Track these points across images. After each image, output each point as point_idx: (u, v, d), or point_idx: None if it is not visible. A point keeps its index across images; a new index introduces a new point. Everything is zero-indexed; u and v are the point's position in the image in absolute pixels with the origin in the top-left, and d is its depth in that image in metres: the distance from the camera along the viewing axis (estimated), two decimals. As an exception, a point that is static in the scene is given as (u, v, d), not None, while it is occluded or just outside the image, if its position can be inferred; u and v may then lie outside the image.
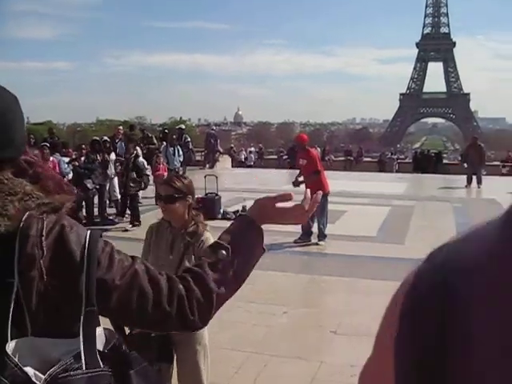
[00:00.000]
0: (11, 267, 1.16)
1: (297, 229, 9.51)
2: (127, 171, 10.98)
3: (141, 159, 11.54)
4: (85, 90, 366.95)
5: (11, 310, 1.15)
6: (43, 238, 1.21)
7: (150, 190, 12.86)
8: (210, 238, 3.24)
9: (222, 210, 11.84)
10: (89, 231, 1.30)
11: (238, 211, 11.85)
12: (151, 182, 15.87)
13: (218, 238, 1.48)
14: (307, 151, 9.68)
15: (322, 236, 9.46)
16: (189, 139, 19.50)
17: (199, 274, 1.39)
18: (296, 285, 7.40)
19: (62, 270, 1.22)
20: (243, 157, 31.33)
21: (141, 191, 11.60)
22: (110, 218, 11.61)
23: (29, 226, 1.20)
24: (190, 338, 3.20)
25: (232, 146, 36.46)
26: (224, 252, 1.42)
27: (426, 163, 27.60)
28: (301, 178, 9.65)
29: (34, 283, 1.18)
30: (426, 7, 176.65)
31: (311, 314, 6.17)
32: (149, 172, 12.22)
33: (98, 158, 11.65)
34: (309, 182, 8.92)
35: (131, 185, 10.88)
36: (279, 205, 1.55)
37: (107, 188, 11.95)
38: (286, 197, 1.57)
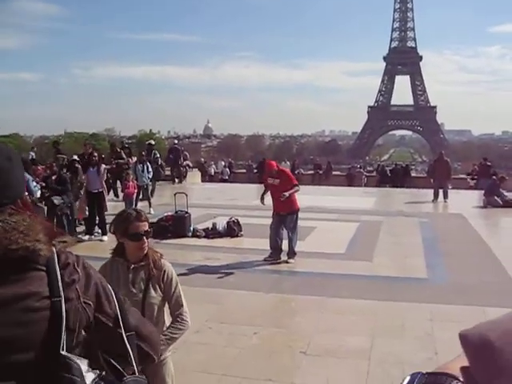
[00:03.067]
0: (57, 288, 1.35)
1: (267, 246, 9.59)
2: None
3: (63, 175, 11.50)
4: (52, 101, 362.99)
5: (64, 321, 1.33)
6: (77, 267, 1.44)
7: (120, 207, 12.80)
8: (169, 265, 3.26)
9: (192, 228, 11.81)
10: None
11: (208, 228, 11.87)
12: (120, 198, 15.82)
13: None
14: (281, 172, 9.69)
15: (291, 253, 9.52)
16: (158, 155, 19.46)
17: None
18: (266, 304, 7.43)
19: (93, 294, 1.46)
20: (213, 171, 31.32)
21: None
22: (79, 236, 11.51)
23: (64, 255, 1.44)
24: (160, 369, 3.20)
25: (202, 159, 36.42)
26: None
27: (393, 177, 27.98)
28: (267, 195, 9.75)
29: (72, 303, 1.38)
30: (393, 22, 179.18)
31: (281, 335, 6.20)
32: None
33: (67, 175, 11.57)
34: (281, 199, 9.13)
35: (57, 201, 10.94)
36: None
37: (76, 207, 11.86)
38: None
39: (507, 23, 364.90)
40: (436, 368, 1.00)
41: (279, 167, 9.96)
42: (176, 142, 28.98)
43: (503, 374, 0.81)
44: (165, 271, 3.20)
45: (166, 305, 3.25)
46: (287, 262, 9.41)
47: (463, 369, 0.88)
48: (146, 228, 3.18)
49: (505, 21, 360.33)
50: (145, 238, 3.15)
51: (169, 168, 23.74)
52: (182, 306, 3.22)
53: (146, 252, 3.18)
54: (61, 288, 1.35)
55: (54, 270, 1.37)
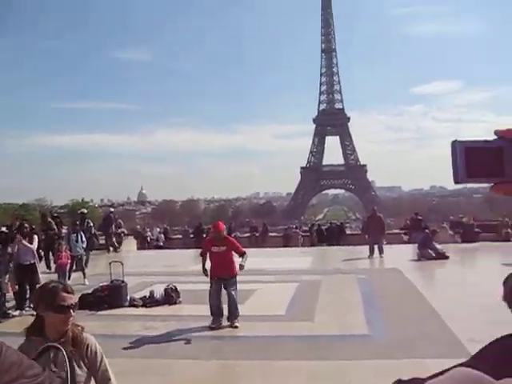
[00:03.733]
0: None
1: (206, 312, 9.44)
2: None
3: None
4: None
5: None
6: None
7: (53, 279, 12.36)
8: (91, 338, 3.11)
9: (128, 297, 11.51)
10: None
11: (145, 297, 11.60)
12: (53, 269, 15.35)
13: None
14: (226, 238, 9.74)
15: (236, 316, 9.40)
16: (91, 224, 19.12)
17: None
18: (210, 372, 7.23)
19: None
20: (149, 238, 30.92)
21: None
22: (9, 311, 11.00)
23: None
24: None
25: (138, 226, 35.97)
26: None
27: (329, 236, 28.37)
28: (207, 265, 9.70)
29: None
30: (321, 85, 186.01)
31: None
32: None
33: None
34: (228, 265, 9.34)
35: None
36: None
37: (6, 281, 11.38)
38: None
39: (427, 84, 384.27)
40: None
41: (226, 235, 10.05)
42: (112, 209, 28.50)
43: None
44: (88, 345, 3.04)
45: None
46: (235, 327, 9.25)
47: None
48: (73, 301, 3.04)
49: (425, 81, 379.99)
50: (72, 311, 3.01)
51: (103, 237, 23.35)
52: (110, 379, 3.07)
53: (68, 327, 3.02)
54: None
55: None
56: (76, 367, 2.95)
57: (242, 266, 9.45)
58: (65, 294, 2.99)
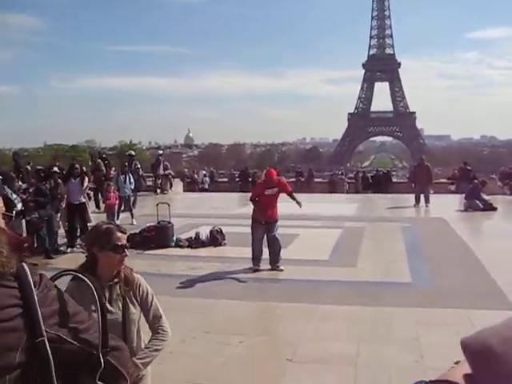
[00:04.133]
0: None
1: (250, 255, 9.56)
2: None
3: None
4: (31, 114, 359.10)
5: None
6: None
7: (102, 218, 12.70)
8: (141, 278, 3.15)
9: (175, 238, 11.75)
10: None
11: (191, 238, 11.81)
12: (102, 209, 15.74)
13: None
14: (278, 180, 9.88)
15: (279, 259, 9.51)
16: (139, 165, 19.40)
17: None
18: (251, 313, 7.41)
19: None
20: (196, 181, 31.23)
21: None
22: (61, 248, 11.39)
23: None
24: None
25: (186, 170, 36.23)
26: None
27: (374, 183, 28.12)
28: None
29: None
30: (371, 29, 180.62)
31: (267, 343, 6.17)
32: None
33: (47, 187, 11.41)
34: (274, 209, 9.57)
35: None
36: None
37: (58, 218, 11.73)
38: None
39: (483, 29, 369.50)
40: (439, 376, 0.99)
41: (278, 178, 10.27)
42: (160, 152, 28.71)
43: (507, 381, 0.81)
44: (139, 285, 3.10)
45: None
46: (280, 270, 9.36)
47: (466, 376, 0.88)
48: (126, 241, 3.11)
49: (481, 27, 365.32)
50: (126, 250, 3.07)
51: (151, 179, 23.72)
52: (161, 317, 3.14)
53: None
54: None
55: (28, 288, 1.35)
56: (130, 305, 3.03)
57: (299, 204, 9.80)
58: (120, 234, 3.03)
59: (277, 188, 9.58)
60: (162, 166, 23.47)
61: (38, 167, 13.58)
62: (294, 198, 9.91)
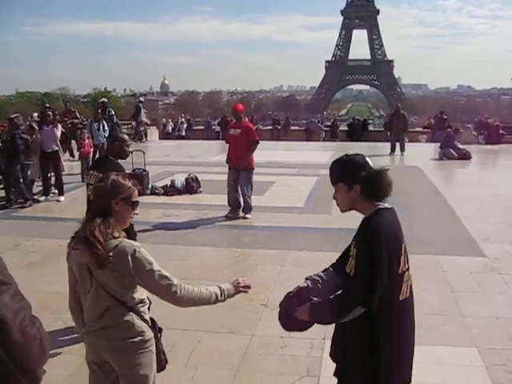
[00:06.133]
0: None
1: (226, 202, 9.59)
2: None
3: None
4: (1, 60, 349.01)
5: None
6: None
7: (76, 167, 12.65)
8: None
9: (150, 186, 11.70)
10: None
11: (166, 186, 11.79)
12: (76, 157, 15.59)
13: None
14: (243, 122, 9.50)
15: (248, 209, 9.52)
16: (113, 112, 19.07)
17: None
18: (226, 259, 7.47)
19: None
20: (170, 128, 30.92)
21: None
22: (35, 196, 11.27)
23: None
24: None
25: (164, 119, 35.48)
26: None
27: (351, 132, 28.19)
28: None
29: None
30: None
31: (242, 288, 6.24)
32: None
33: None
34: (241, 155, 9.11)
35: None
36: None
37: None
38: None
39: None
40: None
41: (244, 117, 9.79)
42: (141, 99, 27.87)
43: None
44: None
45: None
46: (245, 218, 9.44)
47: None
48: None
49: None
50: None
51: (126, 126, 23.45)
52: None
53: None
54: None
55: None
56: None
57: (245, 156, 9.19)
58: (136, 192, 2.94)
59: (240, 130, 9.27)
60: (142, 113, 23.21)
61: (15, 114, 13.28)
62: (252, 145, 9.26)
